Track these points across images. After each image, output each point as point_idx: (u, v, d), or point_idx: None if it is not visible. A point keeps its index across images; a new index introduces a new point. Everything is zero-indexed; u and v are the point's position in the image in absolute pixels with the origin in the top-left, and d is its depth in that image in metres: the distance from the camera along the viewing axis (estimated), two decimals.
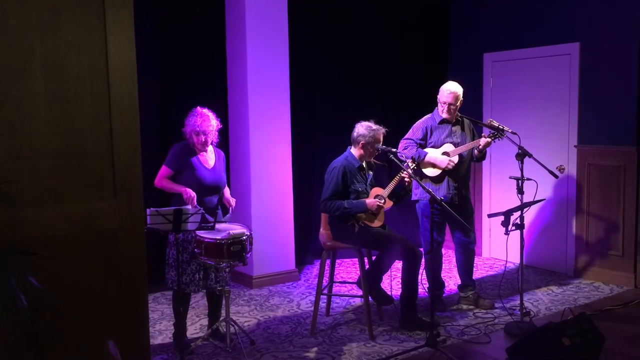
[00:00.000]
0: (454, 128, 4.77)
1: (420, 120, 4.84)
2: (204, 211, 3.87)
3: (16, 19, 2.59)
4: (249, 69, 5.36)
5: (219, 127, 4.10)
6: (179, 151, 4.06)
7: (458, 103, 4.69)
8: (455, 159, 4.65)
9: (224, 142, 5.61)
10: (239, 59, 5.47)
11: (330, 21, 6.24)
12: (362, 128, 4.39)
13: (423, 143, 4.74)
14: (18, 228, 2.59)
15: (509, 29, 6.23)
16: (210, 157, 4.15)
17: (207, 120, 4.00)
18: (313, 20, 6.10)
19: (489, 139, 4.60)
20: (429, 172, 4.70)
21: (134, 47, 2.87)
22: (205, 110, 4.05)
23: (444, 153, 4.67)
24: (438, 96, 4.74)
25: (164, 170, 4.04)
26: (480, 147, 4.65)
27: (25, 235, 2.61)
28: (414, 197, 4.78)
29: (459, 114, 4.79)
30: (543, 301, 5.06)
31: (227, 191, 4.26)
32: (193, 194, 3.89)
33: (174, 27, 5.38)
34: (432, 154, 4.67)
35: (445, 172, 4.66)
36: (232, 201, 4.21)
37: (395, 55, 6.67)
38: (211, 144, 4.12)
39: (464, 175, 4.79)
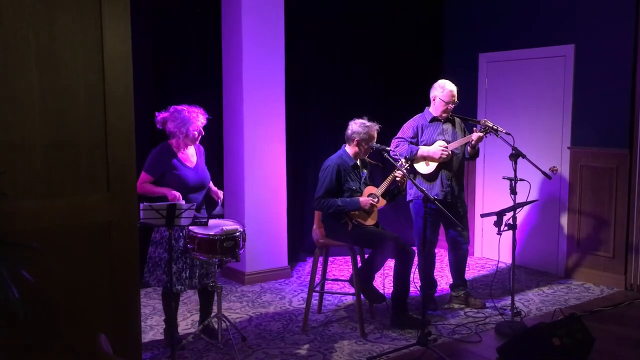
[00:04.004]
0: (444, 126, 4.77)
1: (410, 120, 4.83)
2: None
3: (11, 12, 2.57)
4: (244, 64, 5.35)
5: (207, 115, 4.05)
6: (158, 156, 3.96)
7: (455, 101, 4.71)
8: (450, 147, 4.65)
9: (218, 139, 5.62)
10: (234, 54, 5.46)
11: (326, 19, 6.23)
12: (356, 125, 4.39)
13: (414, 141, 4.73)
14: (10, 220, 2.57)
15: (505, 29, 6.24)
16: (191, 154, 4.07)
17: (200, 115, 3.96)
18: (308, 17, 6.09)
19: (481, 134, 4.60)
20: (422, 168, 4.70)
21: (129, 40, 2.86)
22: (185, 106, 3.97)
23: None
24: (434, 94, 4.71)
25: (143, 176, 3.93)
26: (473, 142, 4.65)
27: (17, 227, 2.60)
28: (408, 197, 4.78)
29: (450, 113, 4.79)
30: (534, 301, 5.09)
31: (211, 184, 4.21)
32: (177, 194, 3.82)
33: (169, 21, 5.36)
34: (425, 147, 4.67)
35: (439, 167, 4.66)
36: (220, 193, 4.18)
37: (390, 54, 6.66)
38: None
39: (456, 173, 4.79)
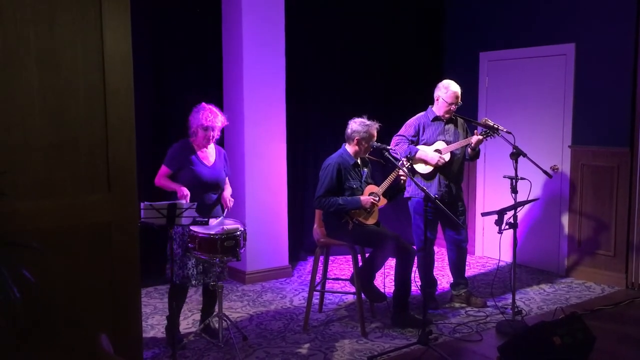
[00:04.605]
0: (447, 126, 4.77)
1: (412, 118, 4.84)
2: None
3: (11, 12, 2.58)
4: (244, 64, 5.35)
5: (225, 123, 4.11)
6: (178, 150, 4.07)
7: (459, 102, 4.70)
8: (447, 156, 4.65)
9: (218, 139, 5.61)
10: (234, 54, 5.46)
11: (326, 19, 6.23)
12: (356, 124, 4.39)
13: (415, 140, 4.74)
14: (10, 220, 2.58)
15: (505, 28, 6.24)
16: (210, 153, 4.15)
17: (216, 116, 4.03)
18: (308, 17, 6.09)
19: (480, 137, 4.61)
20: (421, 168, 4.70)
21: (129, 40, 2.86)
22: (212, 106, 4.08)
23: (436, 150, 4.67)
24: (438, 94, 4.72)
25: (163, 169, 4.07)
26: (473, 144, 4.66)
27: (18, 227, 2.60)
28: (406, 194, 4.78)
29: (453, 113, 4.79)
30: (535, 300, 5.08)
31: (227, 190, 4.21)
32: (187, 192, 3.89)
33: (169, 21, 5.36)
34: (423, 150, 4.67)
35: (437, 169, 4.67)
36: (230, 202, 4.17)
37: (390, 54, 6.67)
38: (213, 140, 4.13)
39: (456, 174, 4.79)
